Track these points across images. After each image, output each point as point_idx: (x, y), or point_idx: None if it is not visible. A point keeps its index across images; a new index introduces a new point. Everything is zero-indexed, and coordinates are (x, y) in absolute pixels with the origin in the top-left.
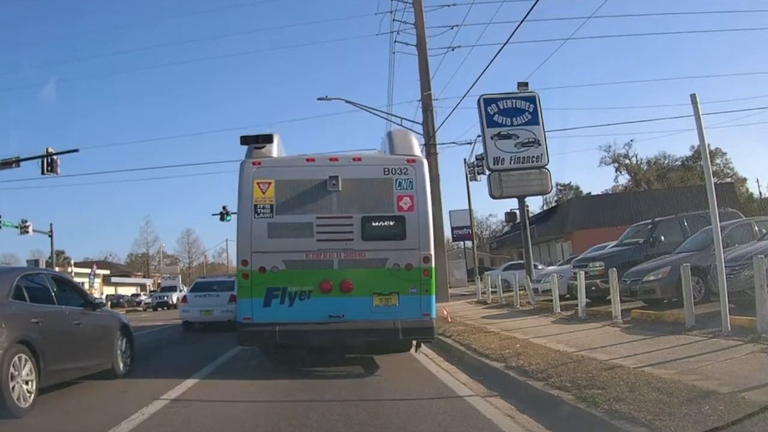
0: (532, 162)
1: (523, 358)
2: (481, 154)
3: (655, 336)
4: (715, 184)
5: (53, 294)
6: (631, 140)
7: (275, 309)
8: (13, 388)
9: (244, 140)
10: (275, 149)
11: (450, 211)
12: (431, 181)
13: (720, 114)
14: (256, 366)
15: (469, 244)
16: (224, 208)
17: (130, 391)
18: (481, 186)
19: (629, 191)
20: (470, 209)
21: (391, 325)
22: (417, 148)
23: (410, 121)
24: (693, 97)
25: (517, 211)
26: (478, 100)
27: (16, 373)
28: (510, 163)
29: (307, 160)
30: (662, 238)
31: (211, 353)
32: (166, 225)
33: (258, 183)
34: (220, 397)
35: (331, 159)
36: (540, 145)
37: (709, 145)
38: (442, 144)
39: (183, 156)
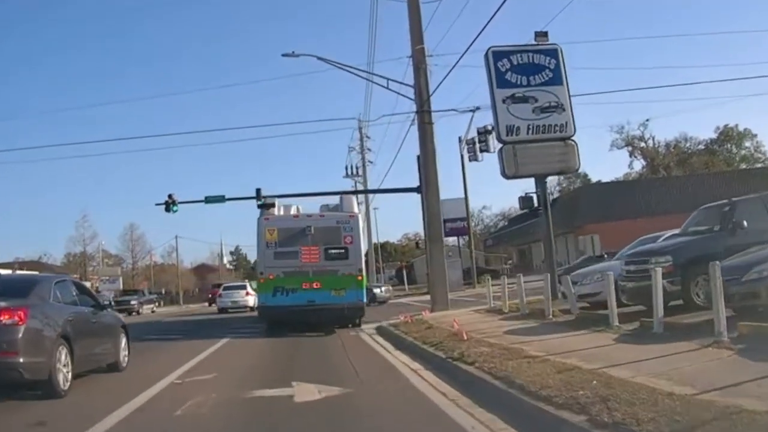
0: (555, 131)
1: (620, 408)
2: (485, 127)
3: None
4: (746, 169)
5: (75, 296)
6: (647, 120)
7: (278, 298)
8: (58, 374)
9: (260, 206)
10: (276, 209)
11: (441, 201)
12: (427, 157)
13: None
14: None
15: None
16: (170, 196)
17: None
18: (474, 170)
19: (644, 178)
20: (466, 198)
21: (341, 305)
22: (356, 207)
23: (398, 82)
24: None
25: (535, 195)
26: (486, 54)
27: (59, 362)
28: (527, 133)
29: (294, 216)
30: (744, 223)
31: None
32: (107, 219)
33: (267, 229)
34: None
35: (307, 216)
36: (564, 110)
37: (737, 125)
38: (439, 111)
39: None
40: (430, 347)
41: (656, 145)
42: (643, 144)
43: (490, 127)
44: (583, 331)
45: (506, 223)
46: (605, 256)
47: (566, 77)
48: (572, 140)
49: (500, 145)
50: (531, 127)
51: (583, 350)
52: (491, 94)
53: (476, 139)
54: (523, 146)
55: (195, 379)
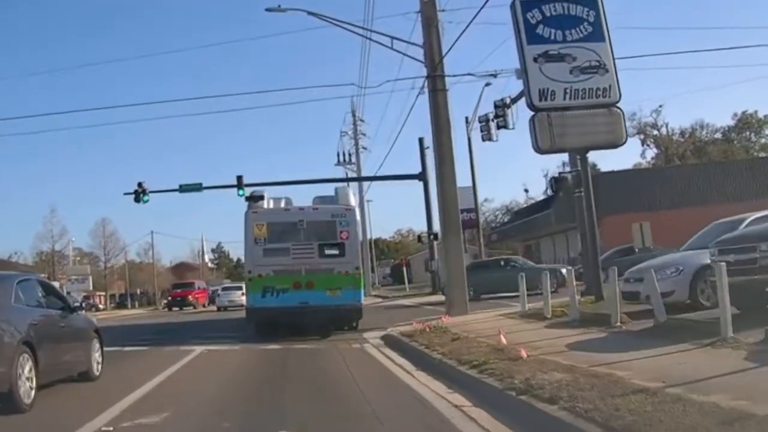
0: (598, 96)
1: None
2: (502, 99)
3: None
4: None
5: (41, 297)
6: (660, 106)
7: (268, 299)
8: (20, 385)
9: (248, 198)
10: (266, 202)
11: None
12: (440, 130)
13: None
14: None
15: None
16: (140, 185)
17: None
18: (475, 159)
19: (662, 166)
20: (474, 186)
21: (336, 307)
22: (352, 200)
23: (404, 41)
24: None
25: (569, 176)
26: (512, 4)
27: (21, 372)
28: (564, 98)
29: (285, 209)
30: None
31: None
32: (78, 214)
33: (256, 224)
34: None
35: (300, 209)
36: (608, 71)
37: (756, 111)
38: (454, 76)
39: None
40: (471, 369)
41: (670, 133)
42: (656, 132)
43: (508, 100)
44: (683, 346)
45: (510, 217)
46: (637, 250)
47: (609, 33)
48: (617, 107)
49: (531, 114)
50: (569, 90)
51: (716, 379)
52: (520, 52)
53: (491, 116)
54: (560, 114)
55: (136, 423)
